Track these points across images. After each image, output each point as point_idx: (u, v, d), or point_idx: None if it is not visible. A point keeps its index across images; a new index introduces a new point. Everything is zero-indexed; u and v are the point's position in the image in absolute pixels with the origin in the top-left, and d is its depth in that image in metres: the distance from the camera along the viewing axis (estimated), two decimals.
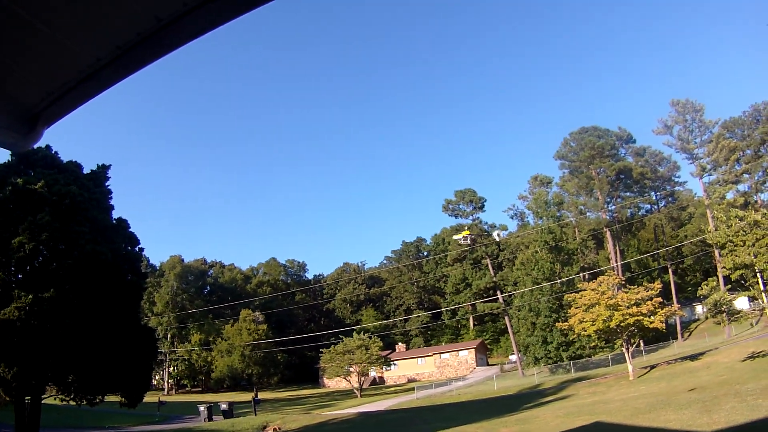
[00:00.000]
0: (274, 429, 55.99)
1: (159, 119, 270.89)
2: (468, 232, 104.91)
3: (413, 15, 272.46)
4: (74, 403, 36.09)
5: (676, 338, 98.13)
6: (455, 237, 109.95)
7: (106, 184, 39.25)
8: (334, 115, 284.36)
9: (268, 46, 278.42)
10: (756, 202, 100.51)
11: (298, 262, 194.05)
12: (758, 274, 47.81)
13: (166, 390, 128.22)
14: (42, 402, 35.31)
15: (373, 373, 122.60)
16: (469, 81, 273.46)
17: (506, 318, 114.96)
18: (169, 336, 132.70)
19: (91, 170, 39.14)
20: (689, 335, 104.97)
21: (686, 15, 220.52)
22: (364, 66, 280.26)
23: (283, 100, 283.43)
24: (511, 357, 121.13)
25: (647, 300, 59.96)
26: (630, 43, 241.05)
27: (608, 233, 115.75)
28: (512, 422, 39.06)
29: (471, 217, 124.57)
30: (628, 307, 58.88)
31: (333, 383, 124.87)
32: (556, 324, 78.44)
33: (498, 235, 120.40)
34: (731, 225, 51.33)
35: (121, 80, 3.93)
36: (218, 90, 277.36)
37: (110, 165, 39.86)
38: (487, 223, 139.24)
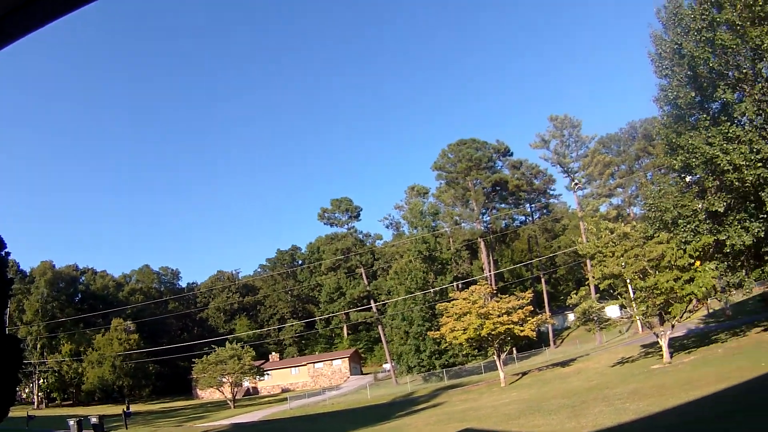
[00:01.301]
0: None
1: (27, 105, 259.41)
2: None
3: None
4: None
5: (549, 345, 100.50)
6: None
7: None
8: (207, 113, 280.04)
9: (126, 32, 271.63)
10: (628, 215, 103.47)
11: (172, 270, 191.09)
12: (627, 284, 48.94)
13: (35, 404, 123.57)
14: None
15: (246, 384, 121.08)
16: (353, 87, 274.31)
17: (380, 327, 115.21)
18: (38, 346, 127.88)
19: None
20: (561, 342, 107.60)
21: (571, 36, 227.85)
22: (239, 58, 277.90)
23: (159, 94, 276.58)
24: (384, 366, 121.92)
25: (518, 309, 60.84)
26: (514, 58, 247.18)
27: (482, 243, 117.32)
28: (385, 430, 38.88)
29: (346, 226, 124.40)
30: (499, 316, 59.73)
31: (206, 394, 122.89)
32: (429, 333, 78.93)
33: None
34: (601, 236, 52.47)
35: None
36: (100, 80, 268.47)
37: None
38: (362, 232, 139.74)
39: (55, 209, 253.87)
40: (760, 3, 36.27)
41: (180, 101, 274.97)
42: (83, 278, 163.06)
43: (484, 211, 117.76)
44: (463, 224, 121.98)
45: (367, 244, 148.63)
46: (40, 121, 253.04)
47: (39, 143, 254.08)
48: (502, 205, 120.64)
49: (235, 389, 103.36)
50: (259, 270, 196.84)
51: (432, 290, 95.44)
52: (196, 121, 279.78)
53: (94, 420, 66.64)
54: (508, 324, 59.32)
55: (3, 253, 37.77)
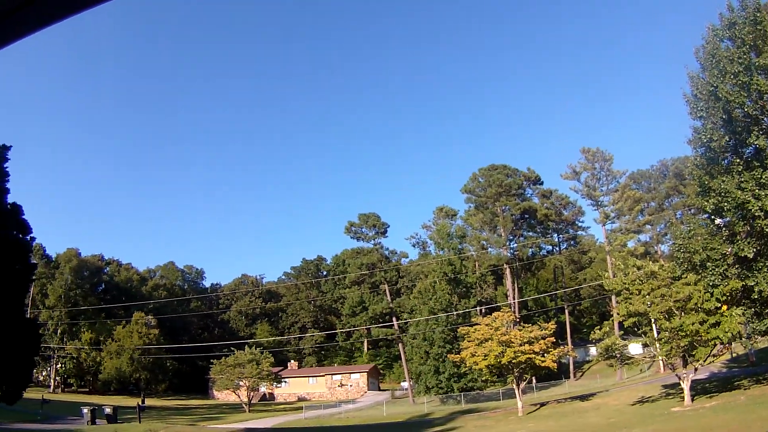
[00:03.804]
0: None
1: (64, 104, 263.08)
2: None
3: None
4: None
5: (569, 377, 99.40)
6: None
7: (5, 165, 37.79)
8: (240, 127, 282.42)
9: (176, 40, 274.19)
10: (656, 252, 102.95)
11: (197, 269, 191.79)
12: (652, 323, 48.68)
13: (52, 387, 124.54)
14: None
15: (263, 389, 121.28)
16: (390, 106, 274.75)
17: (400, 345, 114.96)
18: (59, 331, 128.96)
19: None
20: (582, 375, 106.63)
21: (609, 74, 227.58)
22: (275, 70, 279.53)
23: (194, 101, 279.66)
24: (402, 384, 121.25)
25: (540, 339, 60.61)
26: (549, 89, 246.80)
27: (508, 270, 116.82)
28: None
29: (373, 242, 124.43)
30: (520, 345, 59.46)
31: (222, 395, 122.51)
32: (449, 355, 78.85)
33: None
34: (628, 273, 52.19)
35: None
36: (132, 82, 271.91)
37: (11, 146, 38.37)
38: (388, 248, 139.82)
39: (86, 201, 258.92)
40: None
41: (208, 103, 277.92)
42: (108, 269, 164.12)
43: (511, 237, 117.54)
44: (489, 249, 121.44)
45: (393, 260, 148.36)
46: (81, 117, 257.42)
47: (78, 138, 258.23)
48: (530, 233, 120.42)
49: (252, 393, 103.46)
50: (283, 277, 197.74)
51: (455, 313, 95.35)
52: (230, 125, 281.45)
53: (108, 410, 67.33)
54: (530, 353, 59.09)
55: (27, 237, 38.69)
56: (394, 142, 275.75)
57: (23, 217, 37.90)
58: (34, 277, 48.46)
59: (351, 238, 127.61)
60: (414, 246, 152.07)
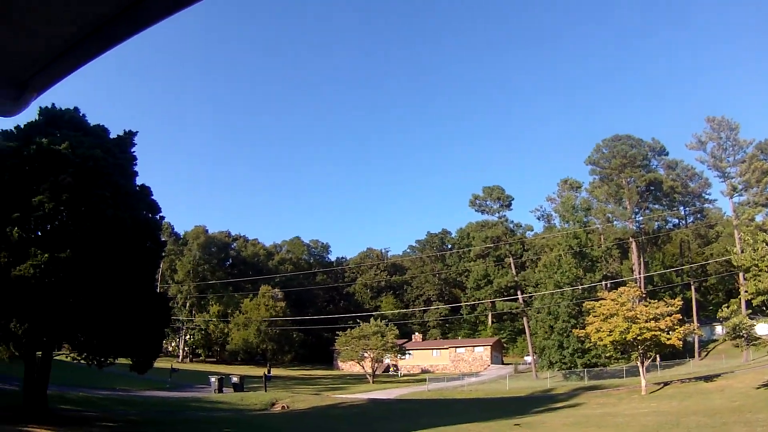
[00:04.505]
0: (282, 407, 56.21)
1: (192, 86, 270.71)
2: None
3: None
4: (85, 363, 36.38)
5: (693, 356, 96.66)
6: None
7: (132, 150, 39.30)
8: (367, 100, 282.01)
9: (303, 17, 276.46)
10: None
11: (322, 243, 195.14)
12: None
13: (180, 357, 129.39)
14: (54, 359, 35.65)
15: (387, 360, 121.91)
16: (507, 78, 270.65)
17: (524, 318, 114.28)
18: (187, 305, 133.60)
19: (118, 135, 39.14)
20: (707, 355, 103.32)
21: (734, 36, 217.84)
22: (404, 52, 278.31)
23: (321, 79, 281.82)
24: (526, 358, 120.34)
25: (666, 316, 59.21)
26: (671, 57, 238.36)
27: (634, 244, 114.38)
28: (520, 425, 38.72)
29: (497, 214, 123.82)
30: (646, 321, 58.18)
31: (347, 366, 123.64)
32: (574, 330, 77.79)
33: None
34: (758, 249, 50.27)
35: (106, 51, 3.79)
36: (255, 60, 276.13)
37: (137, 132, 39.82)
38: (512, 221, 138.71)
39: (213, 179, 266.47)
40: None
41: (332, 77, 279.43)
42: (234, 245, 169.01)
43: (636, 210, 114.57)
44: (615, 222, 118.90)
45: (517, 234, 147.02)
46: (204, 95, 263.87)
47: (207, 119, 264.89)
48: (656, 206, 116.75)
49: (376, 365, 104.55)
50: (408, 250, 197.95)
51: (580, 287, 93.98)
52: (356, 99, 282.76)
53: (234, 379, 69.57)
54: (655, 330, 57.78)
55: (158, 216, 40.11)
56: (518, 112, 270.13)
57: (152, 197, 39.34)
58: (163, 254, 50.18)
59: (476, 211, 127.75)
60: (538, 219, 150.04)
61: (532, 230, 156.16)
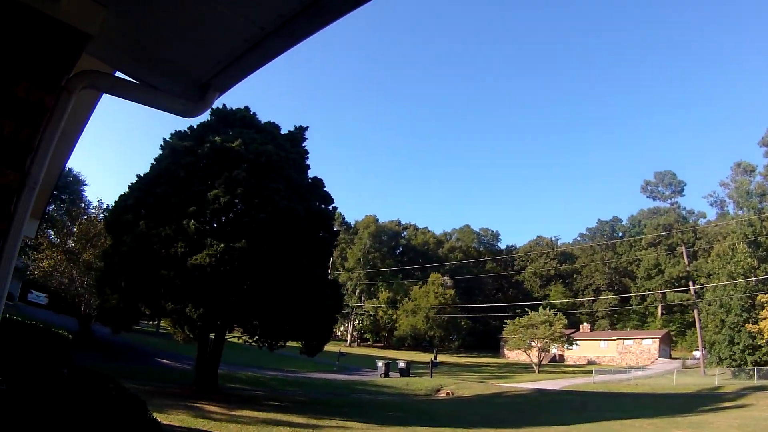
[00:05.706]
0: (447, 393, 57.40)
1: (366, 77, 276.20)
2: None
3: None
4: (256, 345, 38.60)
5: None
6: None
7: (303, 144, 41.24)
8: (536, 90, 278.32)
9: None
10: None
11: (492, 231, 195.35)
12: None
13: (348, 342, 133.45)
14: (225, 340, 38.07)
15: (554, 350, 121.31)
16: (679, 62, 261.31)
17: (695, 311, 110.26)
18: (357, 291, 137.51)
19: (289, 131, 41.17)
20: None
21: None
22: (577, 40, 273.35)
23: (487, 69, 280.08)
24: (694, 353, 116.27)
25: None
26: None
27: None
28: (685, 424, 38.36)
29: (669, 201, 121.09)
30: None
31: (513, 355, 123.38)
32: (746, 325, 75.38)
33: None
34: None
35: (286, 50, 4.14)
36: (426, 50, 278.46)
37: (307, 127, 41.81)
38: (685, 208, 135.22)
39: (385, 169, 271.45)
40: None
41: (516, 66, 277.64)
42: (405, 233, 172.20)
43: None
44: None
45: (690, 221, 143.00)
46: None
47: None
48: None
49: (542, 354, 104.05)
50: (578, 238, 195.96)
51: (754, 279, 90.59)
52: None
53: (401, 364, 71.42)
54: None
55: (330, 207, 42.01)
56: (692, 87, 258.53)
57: (325, 189, 41.22)
58: (336, 243, 52.12)
59: (647, 197, 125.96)
60: (711, 205, 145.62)
61: (705, 217, 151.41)
